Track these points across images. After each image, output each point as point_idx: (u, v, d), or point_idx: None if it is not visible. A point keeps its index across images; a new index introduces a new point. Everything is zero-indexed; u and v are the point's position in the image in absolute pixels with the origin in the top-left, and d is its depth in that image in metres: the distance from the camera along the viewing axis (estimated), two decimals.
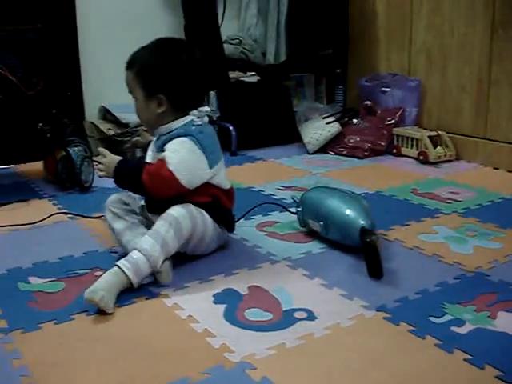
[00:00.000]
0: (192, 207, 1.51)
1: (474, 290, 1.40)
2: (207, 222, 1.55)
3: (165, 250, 1.43)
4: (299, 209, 1.77)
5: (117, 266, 1.38)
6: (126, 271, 1.37)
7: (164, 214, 1.47)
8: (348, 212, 1.60)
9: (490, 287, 1.42)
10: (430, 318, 1.27)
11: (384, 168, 2.61)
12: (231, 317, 1.29)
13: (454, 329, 1.22)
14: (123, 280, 1.37)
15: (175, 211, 1.47)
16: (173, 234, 1.44)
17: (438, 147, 2.65)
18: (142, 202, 1.63)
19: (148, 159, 1.61)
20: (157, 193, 1.50)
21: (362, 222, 1.55)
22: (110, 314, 1.30)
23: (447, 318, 1.27)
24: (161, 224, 1.45)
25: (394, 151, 2.80)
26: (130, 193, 1.63)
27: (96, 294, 1.30)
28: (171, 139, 1.52)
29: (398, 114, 2.87)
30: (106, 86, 2.94)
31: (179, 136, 1.51)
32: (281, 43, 3.11)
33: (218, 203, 1.60)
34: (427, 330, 1.22)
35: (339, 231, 1.62)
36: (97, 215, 1.92)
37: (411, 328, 1.23)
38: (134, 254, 1.40)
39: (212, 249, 1.62)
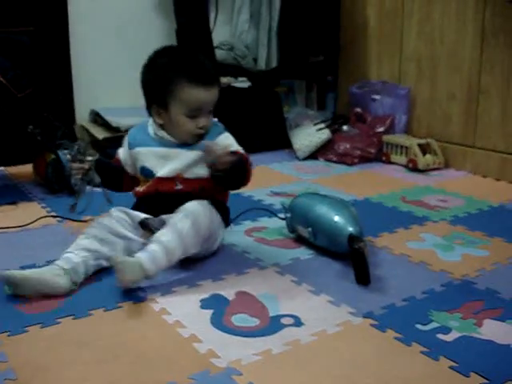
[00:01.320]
0: (206, 202, 1.57)
1: (460, 297, 1.41)
2: (218, 217, 1.63)
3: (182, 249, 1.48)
4: (288, 215, 1.77)
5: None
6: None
7: (182, 209, 1.52)
8: (336, 219, 1.60)
9: (477, 295, 1.42)
10: (417, 325, 1.27)
11: (373, 175, 2.62)
12: (218, 322, 1.29)
13: (440, 336, 1.23)
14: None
15: (194, 206, 1.53)
16: (190, 228, 1.49)
17: (427, 155, 2.66)
18: (142, 216, 1.61)
19: (159, 168, 1.61)
20: (248, 181, 1.63)
21: (351, 229, 1.55)
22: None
23: (434, 325, 1.27)
24: (179, 219, 1.49)
25: (384, 158, 2.81)
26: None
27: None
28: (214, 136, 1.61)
29: (388, 121, 2.88)
30: (97, 90, 2.95)
31: (220, 133, 1.64)
32: (272, 49, 3.12)
33: (224, 198, 1.70)
34: (413, 337, 1.22)
35: (327, 237, 1.63)
36: (86, 218, 1.91)
37: (398, 335, 1.23)
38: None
39: (216, 246, 1.66)
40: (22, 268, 1.56)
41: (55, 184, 2.25)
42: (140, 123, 1.70)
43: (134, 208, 1.65)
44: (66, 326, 1.27)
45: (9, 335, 1.23)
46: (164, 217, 1.58)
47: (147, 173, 1.63)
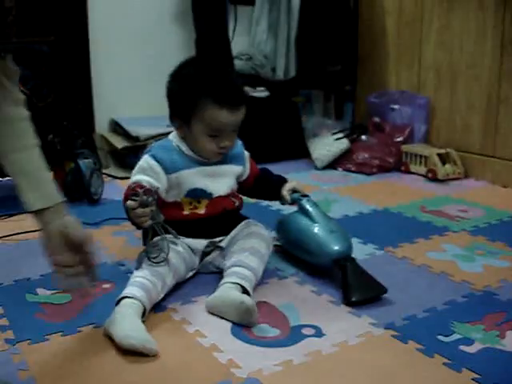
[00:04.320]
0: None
1: (482, 308, 1.39)
2: None
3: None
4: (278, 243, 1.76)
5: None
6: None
7: (256, 234, 1.56)
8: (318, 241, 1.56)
9: (499, 306, 1.41)
10: (439, 336, 1.26)
11: (392, 185, 2.61)
12: (239, 332, 1.28)
13: (463, 348, 1.22)
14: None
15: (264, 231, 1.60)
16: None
17: (447, 165, 2.64)
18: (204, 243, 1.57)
19: (213, 186, 1.56)
20: None
21: (336, 248, 1.52)
22: None
23: (456, 336, 1.26)
24: (260, 245, 1.53)
25: (403, 168, 2.80)
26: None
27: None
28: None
29: (407, 131, 2.87)
30: (117, 99, 2.96)
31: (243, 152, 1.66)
32: (290, 59, 3.12)
33: None
34: (435, 348, 1.21)
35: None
36: (105, 227, 1.92)
37: (419, 346, 1.22)
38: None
39: None
40: (42, 276, 1.57)
41: (74, 192, 2.25)
42: (158, 145, 1.57)
43: (186, 233, 1.54)
44: (86, 335, 1.27)
45: (29, 344, 1.23)
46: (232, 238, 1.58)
47: (200, 194, 1.54)
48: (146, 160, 1.51)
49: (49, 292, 1.49)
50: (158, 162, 1.50)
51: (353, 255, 1.54)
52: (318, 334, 1.28)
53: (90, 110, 2.83)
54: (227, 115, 1.45)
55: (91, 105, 2.83)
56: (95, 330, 1.29)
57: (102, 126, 2.95)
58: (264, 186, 1.72)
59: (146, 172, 1.49)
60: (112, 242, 1.84)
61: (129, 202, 1.35)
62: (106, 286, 1.51)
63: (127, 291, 1.31)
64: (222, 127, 1.47)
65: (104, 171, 2.58)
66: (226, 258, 1.53)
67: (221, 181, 1.57)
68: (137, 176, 1.49)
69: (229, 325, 1.31)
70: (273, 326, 1.31)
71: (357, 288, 1.42)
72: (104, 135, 2.90)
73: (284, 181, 1.72)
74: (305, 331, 1.29)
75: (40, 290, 1.50)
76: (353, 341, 1.25)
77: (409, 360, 1.18)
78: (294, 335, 1.27)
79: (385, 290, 1.43)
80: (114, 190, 2.43)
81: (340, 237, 1.55)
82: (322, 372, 1.14)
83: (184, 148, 1.53)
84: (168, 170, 1.50)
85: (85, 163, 2.27)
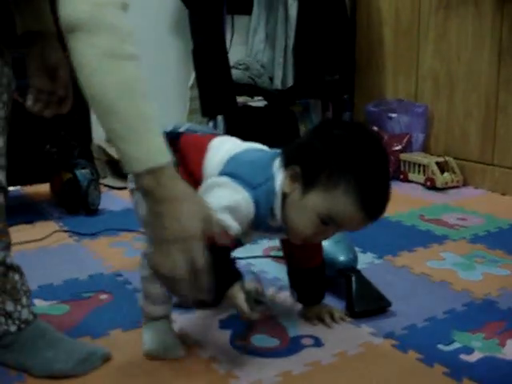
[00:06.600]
0: None
1: (482, 317, 1.39)
2: None
3: None
4: None
5: None
6: None
7: None
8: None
9: (499, 315, 1.40)
10: (439, 345, 1.25)
11: (391, 193, 2.60)
12: (237, 343, 1.27)
13: (463, 357, 1.21)
14: None
15: None
16: None
17: (446, 173, 2.64)
18: None
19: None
20: None
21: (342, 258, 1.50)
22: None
23: (456, 345, 1.25)
24: None
25: (401, 177, 2.79)
26: None
27: None
28: None
29: (405, 139, 2.87)
30: None
31: None
32: (288, 68, 3.12)
33: None
34: (435, 357, 1.20)
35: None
36: (102, 238, 1.92)
37: (419, 356, 1.21)
38: None
39: None
40: (40, 287, 1.56)
41: (72, 203, 2.25)
42: (263, 189, 1.16)
43: None
44: None
45: None
46: None
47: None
48: (244, 199, 1.14)
49: (46, 303, 1.48)
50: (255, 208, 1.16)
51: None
52: (318, 344, 1.27)
53: (87, 119, 2.81)
54: (361, 221, 1.16)
55: (88, 115, 2.82)
56: (93, 341, 1.28)
57: (99, 135, 2.93)
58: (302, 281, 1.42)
59: (236, 214, 1.13)
60: (109, 252, 1.83)
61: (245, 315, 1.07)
62: (104, 296, 1.50)
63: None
64: (344, 225, 1.17)
65: (101, 181, 2.57)
66: None
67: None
68: (224, 216, 1.11)
69: (227, 336, 1.30)
70: (272, 336, 1.30)
71: (360, 299, 1.41)
72: (101, 145, 2.88)
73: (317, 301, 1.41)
74: (304, 341, 1.28)
75: (37, 301, 1.48)
76: (352, 350, 1.24)
77: (409, 369, 1.17)
78: (293, 345, 1.26)
79: (389, 304, 1.42)
80: (111, 200, 2.42)
81: (346, 248, 1.53)
82: (322, 382, 1.13)
83: (277, 209, 1.18)
84: (253, 224, 1.18)
85: (82, 173, 2.26)
